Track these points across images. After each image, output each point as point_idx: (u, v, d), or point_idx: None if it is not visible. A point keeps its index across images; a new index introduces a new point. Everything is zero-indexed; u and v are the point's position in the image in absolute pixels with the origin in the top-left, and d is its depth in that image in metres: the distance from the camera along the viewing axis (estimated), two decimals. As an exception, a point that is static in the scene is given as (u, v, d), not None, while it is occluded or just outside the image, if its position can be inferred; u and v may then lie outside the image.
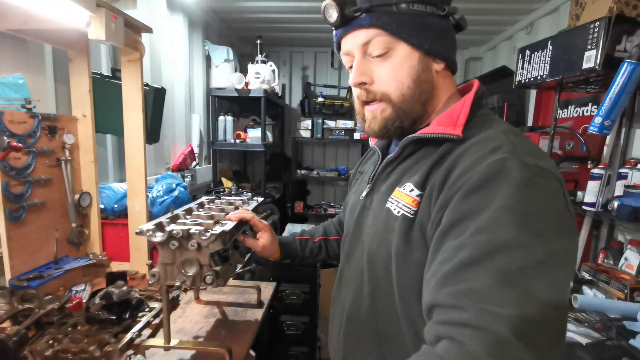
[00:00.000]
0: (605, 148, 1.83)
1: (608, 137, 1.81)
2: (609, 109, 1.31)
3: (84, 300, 1.15)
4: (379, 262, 0.64)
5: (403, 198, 0.61)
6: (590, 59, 1.41)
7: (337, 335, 0.77)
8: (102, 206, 1.54)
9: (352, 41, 0.64)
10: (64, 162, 1.31)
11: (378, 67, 0.63)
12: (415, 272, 0.58)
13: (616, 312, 1.43)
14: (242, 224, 1.03)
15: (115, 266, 1.49)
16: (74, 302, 1.10)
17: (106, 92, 1.53)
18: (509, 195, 0.47)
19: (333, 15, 0.63)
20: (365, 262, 0.68)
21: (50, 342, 0.86)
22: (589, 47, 1.42)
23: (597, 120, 1.34)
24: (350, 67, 0.67)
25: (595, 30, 1.39)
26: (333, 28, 0.67)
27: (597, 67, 1.37)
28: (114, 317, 1.01)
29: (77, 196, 1.36)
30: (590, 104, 2.01)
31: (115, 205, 1.57)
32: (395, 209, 0.62)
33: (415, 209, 0.59)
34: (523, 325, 0.41)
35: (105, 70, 1.71)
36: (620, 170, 1.61)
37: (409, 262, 0.59)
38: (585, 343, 1.56)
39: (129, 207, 1.47)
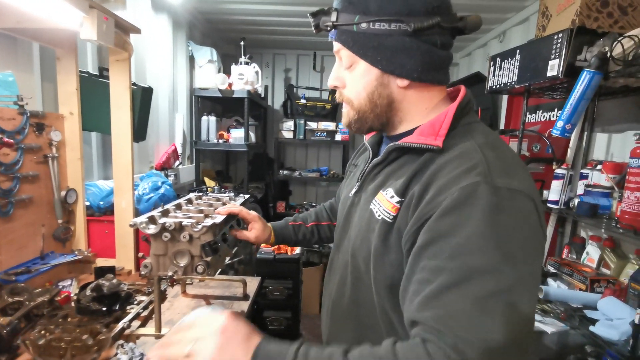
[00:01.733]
0: (568, 150, 1.97)
1: (571, 140, 1.96)
2: (570, 114, 1.43)
3: (74, 293, 1.17)
4: (361, 258, 0.69)
5: (384, 203, 0.65)
6: (554, 67, 1.53)
7: (325, 316, 0.84)
8: (87, 203, 1.55)
9: (334, 47, 0.71)
10: (50, 158, 1.32)
11: (347, 75, 0.70)
12: (389, 273, 0.62)
13: (578, 302, 1.55)
14: (230, 218, 1.08)
15: (101, 262, 1.50)
16: (62, 296, 1.12)
17: (93, 91, 1.54)
18: (480, 221, 0.52)
19: (313, 25, 0.70)
20: (350, 256, 0.72)
21: (43, 332, 0.88)
22: (553, 56, 1.54)
23: (559, 124, 1.46)
24: None
25: (559, 40, 1.51)
26: None
27: (559, 75, 1.49)
28: (105, 309, 1.04)
29: (63, 193, 1.37)
30: (556, 109, 2.15)
31: (101, 202, 1.59)
32: (376, 212, 0.66)
33: (394, 215, 0.62)
34: (493, 352, 0.47)
35: (91, 69, 1.72)
36: (582, 171, 1.74)
37: (385, 263, 0.63)
38: (551, 332, 1.69)
39: (115, 203, 1.49)
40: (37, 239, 1.29)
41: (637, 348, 1.19)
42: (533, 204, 0.55)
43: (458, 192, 0.54)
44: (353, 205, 0.77)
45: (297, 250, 2.23)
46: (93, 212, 1.59)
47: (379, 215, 0.65)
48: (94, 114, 1.55)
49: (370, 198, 0.70)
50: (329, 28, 0.67)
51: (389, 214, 0.63)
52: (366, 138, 0.87)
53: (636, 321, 1.17)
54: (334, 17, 0.66)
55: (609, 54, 1.33)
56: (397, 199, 0.63)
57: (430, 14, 0.62)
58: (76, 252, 1.41)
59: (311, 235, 1.12)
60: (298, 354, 0.52)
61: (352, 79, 0.69)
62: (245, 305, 1.29)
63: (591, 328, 1.38)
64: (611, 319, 1.37)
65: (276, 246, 2.22)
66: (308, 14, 0.69)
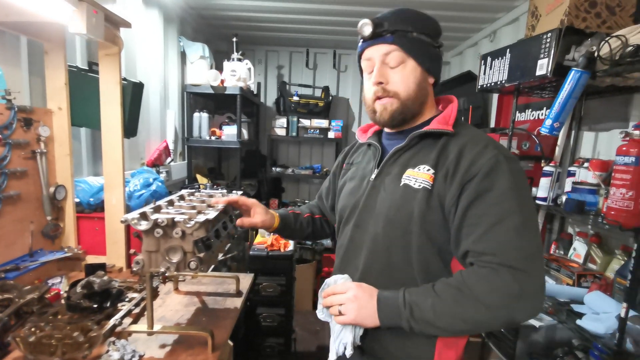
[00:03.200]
0: (557, 148, 2.01)
1: (559, 138, 1.99)
2: (558, 112, 1.46)
3: (64, 291, 1.16)
4: (397, 224, 0.84)
5: (421, 175, 0.83)
6: (543, 66, 1.55)
7: None
8: (77, 200, 1.53)
9: (376, 51, 0.86)
10: (39, 154, 1.30)
11: (393, 73, 0.86)
12: (429, 228, 0.81)
13: (565, 297, 1.59)
14: (223, 214, 1.07)
15: (91, 260, 1.48)
16: (52, 294, 1.11)
17: (82, 85, 1.52)
18: (506, 180, 0.76)
19: (368, 30, 0.85)
20: (381, 227, 0.86)
21: (33, 329, 0.87)
22: (542, 55, 1.56)
23: (548, 122, 1.49)
24: (370, 72, 0.88)
25: (548, 40, 1.54)
26: (361, 40, 0.89)
27: (548, 74, 1.52)
28: (96, 306, 1.03)
29: (52, 189, 1.35)
30: (544, 108, 2.19)
31: (91, 199, 1.57)
32: (414, 184, 0.83)
33: (432, 183, 0.81)
34: (527, 260, 0.73)
35: (80, 63, 1.70)
36: (570, 169, 1.77)
37: (427, 222, 0.81)
38: (539, 326, 1.72)
39: (105, 200, 1.47)
40: (26, 236, 1.27)
41: (623, 341, 1.22)
42: (520, 164, 0.83)
43: (489, 162, 0.77)
44: (375, 187, 0.91)
45: (290, 247, 2.23)
46: (83, 209, 1.57)
47: (419, 185, 0.82)
48: (83, 109, 1.52)
49: (397, 177, 0.87)
50: (387, 33, 0.84)
51: (428, 182, 0.82)
52: (363, 139, 1.03)
53: (622, 315, 1.20)
54: (392, 25, 0.84)
55: (596, 54, 1.36)
56: (432, 170, 0.82)
57: (440, 37, 0.90)
58: (66, 249, 1.39)
59: (307, 225, 1.20)
60: (405, 291, 0.78)
61: (401, 75, 0.85)
62: (238, 302, 1.29)
63: (578, 322, 1.41)
64: (598, 313, 1.40)
65: (269, 243, 2.22)
66: (365, 21, 0.85)
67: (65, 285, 1.25)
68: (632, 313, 1.25)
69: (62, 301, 1.05)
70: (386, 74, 0.86)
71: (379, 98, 0.88)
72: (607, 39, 1.31)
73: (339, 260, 0.99)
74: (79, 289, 1.02)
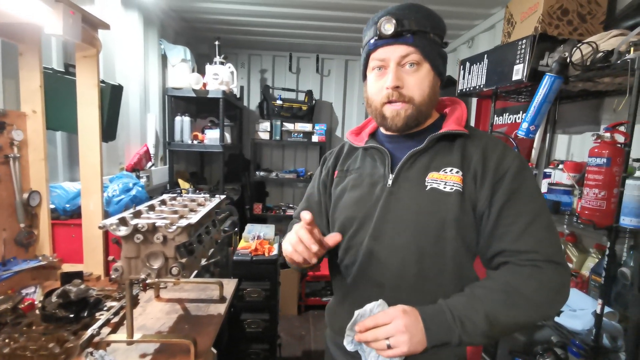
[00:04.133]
0: (533, 151, 2.07)
1: (535, 141, 2.06)
2: (534, 116, 1.50)
3: (38, 301, 1.11)
4: (429, 231, 0.79)
5: (451, 178, 0.80)
6: (519, 71, 1.60)
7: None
8: (52, 206, 1.48)
9: (393, 52, 0.80)
10: (12, 159, 1.25)
11: (408, 76, 0.81)
12: (463, 232, 0.79)
13: (543, 294, 1.63)
14: (206, 218, 1.06)
15: (68, 268, 1.43)
16: (25, 304, 1.06)
17: (58, 88, 1.47)
18: (531, 179, 0.79)
19: (389, 29, 0.78)
20: (409, 235, 0.80)
21: (7, 340, 0.83)
22: (518, 61, 1.61)
23: (524, 125, 1.53)
24: (381, 72, 0.82)
25: (523, 46, 1.59)
26: (374, 38, 0.81)
27: (524, 79, 1.57)
28: (72, 316, 0.99)
29: (25, 195, 1.30)
30: (521, 112, 2.26)
31: (67, 205, 1.52)
32: (445, 187, 0.80)
33: (462, 185, 0.79)
34: (561, 254, 0.76)
35: (56, 65, 1.65)
36: (545, 170, 1.83)
37: (462, 225, 0.79)
38: (519, 324, 1.76)
39: (83, 206, 1.43)
40: (-3, 244, 1.22)
41: (599, 337, 1.26)
42: None
43: (514, 162, 0.79)
44: (392, 194, 0.84)
45: (274, 251, 2.22)
46: (58, 215, 1.52)
47: (451, 189, 0.79)
48: (59, 112, 1.48)
49: (419, 181, 0.82)
50: (408, 33, 0.78)
51: (459, 185, 0.79)
52: (359, 143, 0.94)
53: (598, 311, 1.24)
54: (414, 25, 0.78)
55: (568, 60, 1.41)
56: (460, 172, 0.80)
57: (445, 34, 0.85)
58: (40, 257, 1.34)
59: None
60: (447, 304, 0.74)
61: (417, 79, 0.81)
62: (222, 308, 1.27)
63: (556, 319, 1.45)
64: (575, 310, 1.44)
65: (253, 248, 2.20)
66: (386, 17, 0.78)
67: (40, 295, 1.20)
68: (607, 309, 1.29)
69: (37, 311, 1.01)
70: (402, 78, 0.80)
71: (390, 102, 0.82)
72: (578, 45, 1.37)
73: (352, 280, 0.87)
74: (54, 298, 0.98)
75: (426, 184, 0.81)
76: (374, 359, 0.76)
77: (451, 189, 0.79)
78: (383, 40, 0.80)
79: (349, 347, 0.79)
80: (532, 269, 0.73)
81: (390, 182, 0.85)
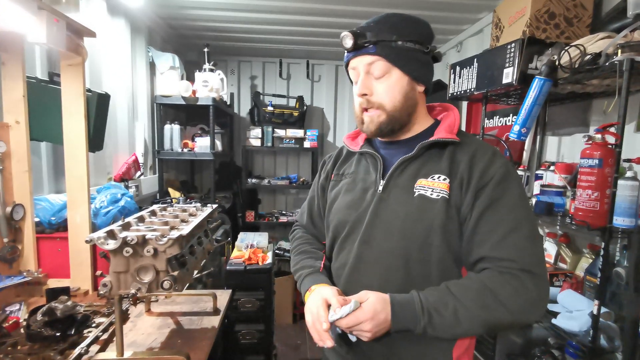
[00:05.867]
0: (524, 153, 2.09)
1: (526, 143, 2.08)
2: (525, 118, 1.51)
3: (23, 319, 1.06)
4: (415, 237, 0.81)
5: (438, 185, 0.81)
6: (509, 75, 1.62)
7: None
8: (37, 219, 1.43)
9: (360, 62, 0.84)
10: (-7, 171, 1.20)
11: (377, 84, 0.84)
12: (449, 238, 0.80)
13: (538, 296, 1.63)
14: (198, 229, 1.03)
15: (54, 283, 1.38)
16: (10, 322, 1.02)
17: (42, 97, 1.43)
18: (516, 187, 0.79)
19: (349, 43, 0.82)
20: (395, 241, 0.82)
21: (-14, 364, 0.79)
22: (507, 64, 1.63)
23: (516, 128, 1.54)
24: (357, 81, 0.86)
25: (512, 50, 1.60)
26: (345, 51, 0.86)
27: (514, 82, 1.58)
28: (59, 334, 0.95)
29: (9, 209, 1.25)
30: (511, 115, 2.28)
31: (53, 218, 1.47)
32: (432, 194, 0.81)
33: (448, 192, 0.80)
34: (540, 265, 0.77)
35: (40, 74, 1.60)
36: (537, 172, 1.84)
37: (448, 232, 0.80)
38: (515, 326, 1.76)
39: (69, 219, 1.38)
40: (-22, 260, 1.17)
41: (597, 338, 1.26)
42: None
43: (500, 170, 0.79)
44: (382, 200, 0.86)
45: (268, 259, 2.18)
46: (44, 229, 1.47)
47: (438, 196, 0.81)
48: (44, 122, 1.44)
49: (408, 187, 0.84)
50: (369, 44, 0.82)
51: (446, 192, 0.80)
52: (355, 147, 0.96)
53: (594, 312, 1.24)
54: (374, 35, 0.81)
55: (557, 62, 1.43)
56: (448, 180, 0.81)
57: (431, 42, 0.86)
58: (25, 273, 1.29)
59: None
60: (420, 296, 0.76)
61: (386, 86, 0.83)
62: (216, 321, 1.23)
63: (553, 321, 1.44)
64: (571, 311, 1.44)
65: (247, 257, 2.16)
66: (345, 33, 0.82)
67: (25, 313, 1.15)
68: (603, 310, 1.29)
69: (22, 330, 0.97)
70: (370, 85, 0.84)
71: (365, 110, 0.86)
72: (566, 48, 1.38)
73: (343, 281, 0.89)
74: (39, 316, 0.94)
75: (414, 190, 0.83)
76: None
77: (438, 195, 0.81)
78: (351, 52, 0.85)
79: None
80: (510, 276, 0.74)
81: (380, 188, 0.87)
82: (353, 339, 0.80)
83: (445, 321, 0.74)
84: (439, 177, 0.82)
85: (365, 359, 0.87)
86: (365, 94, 0.84)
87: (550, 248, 1.87)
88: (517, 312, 0.74)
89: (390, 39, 0.81)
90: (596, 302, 1.23)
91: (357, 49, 0.83)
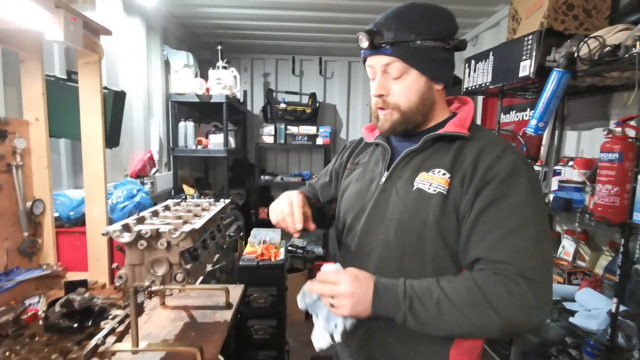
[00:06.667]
0: (542, 148, 2.04)
1: (544, 138, 2.02)
2: (542, 112, 1.47)
3: (42, 311, 1.10)
4: (411, 231, 0.79)
5: (437, 180, 0.79)
6: (526, 68, 1.58)
7: None
8: (56, 214, 1.47)
9: (377, 61, 0.82)
10: (15, 167, 1.24)
11: (394, 84, 0.82)
12: (444, 235, 0.77)
13: (557, 295, 1.59)
14: (211, 223, 1.04)
15: (72, 277, 1.41)
16: (29, 314, 1.05)
17: (61, 95, 1.47)
18: (525, 186, 0.73)
19: (365, 44, 0.80)
20: (392, 233, 0.81)
21: (7, 353, 0.82)
22: (524, 57, 1.59)
23: (533, 122, 1.50)
24: (373, 79, 0.85)
25: (529, 42, 1.56)
26: (363, 48, 0.83)
27: (531, 75, 1.54)
28: (76, 325, 0.98)
29: (29, 204, 1.29)
30: (528, 109, 2.23)
31: (71, 213, 1.51)
32: (429, 189, 0.79)
33: (447, 188, 0.77)
34: (541, 270, 0.71)
35: (58, 72, 1.64)
36: (555, 168, 1.79)
37: (443, 228, 0.77)
38: (532, 325, 1.72)
39: (87, 214, 1.42)
40: (1, 253, 1.20)
41: (615, 336, 1.22)
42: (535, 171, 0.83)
43: (507, 166, 0.74)
44: (385, 191, 0.86)
45: (281, 256, 2.19)
46: (62, 224, 1.51)
47: (434, 190, 0.78)
48: (62, 119, 1.47)
49: (409, 180, 0.83)
50: (386, 45, 0.79)
51: (444, 187, 0.78)
52: (370, 139, 0.97)
53: (613, 310, 1.21)
54: (391, 36, 0.78)
55: (576, 54, 1.38)
56: (448, 174, 0.79)
57: (454, 35, 0.83)
58: (44, 266, 1.33)
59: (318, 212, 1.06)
60: (406, 282, 0.73)
61: (402, 87, 0.81)
62: (228, 315, 1.25)
63: (571, 319, 1.41)
64: (589, 309, 1.40)
65: (259, 253, 2.18)
66: (362, 34, 0.80)
67: (44, 305, 1.19)
68: (622, 308, 1.25)
69: (40, 322, 1.00)
70: (387, 86, 0.82)
71: (381, 109, 0.85)
72: (585, 39, 1.34)
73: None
74: (57, 308, 0.97)
75: (414, 184, 0.82)
76: (322, 319, 0.79)
77: (434, 190, 0.78)
78: (368, 50, 0.82)
79: (300, 305, 0.82)
80: (505, 278, 0.70)
81: (384, 179, 0.88)
82: (337, 338, 0.77)
83: (426, 312, 0.70)
84: (439, 171, 0.80)
85: (360, 356, 0.87)
86: (382, 95, 0.83)
87: (568, 246, 1.82)
88: (508, 317, 0.68)
89: (408, 39, 0.78)
90: (615, 300, 1.20)
91: (374, 49, 0.81)
